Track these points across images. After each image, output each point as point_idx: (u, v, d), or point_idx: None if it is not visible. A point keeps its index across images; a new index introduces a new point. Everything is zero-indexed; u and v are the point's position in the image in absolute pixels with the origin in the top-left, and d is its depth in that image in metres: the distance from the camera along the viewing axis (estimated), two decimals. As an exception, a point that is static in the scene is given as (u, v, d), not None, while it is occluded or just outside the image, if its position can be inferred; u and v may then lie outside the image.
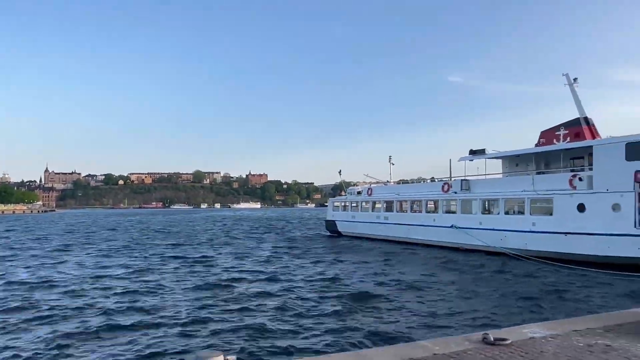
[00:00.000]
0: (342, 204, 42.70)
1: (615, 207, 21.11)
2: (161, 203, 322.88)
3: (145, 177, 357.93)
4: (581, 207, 22.43)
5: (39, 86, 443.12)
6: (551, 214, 23.95)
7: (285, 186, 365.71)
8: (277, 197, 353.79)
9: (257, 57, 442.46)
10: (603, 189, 21.70)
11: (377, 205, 38.01)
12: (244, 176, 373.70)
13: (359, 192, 41.26)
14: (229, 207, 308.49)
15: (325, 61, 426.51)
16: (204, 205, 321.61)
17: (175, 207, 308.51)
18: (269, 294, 14.99)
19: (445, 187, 30.97)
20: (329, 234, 44.29)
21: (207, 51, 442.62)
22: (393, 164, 41.83)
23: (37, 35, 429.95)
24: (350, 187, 43.60)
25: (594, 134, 25.33)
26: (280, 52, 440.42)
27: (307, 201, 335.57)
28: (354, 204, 40.81)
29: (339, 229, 42.28)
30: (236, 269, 21.46)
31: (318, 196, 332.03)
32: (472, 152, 30.05)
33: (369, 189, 39.77)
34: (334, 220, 43.20)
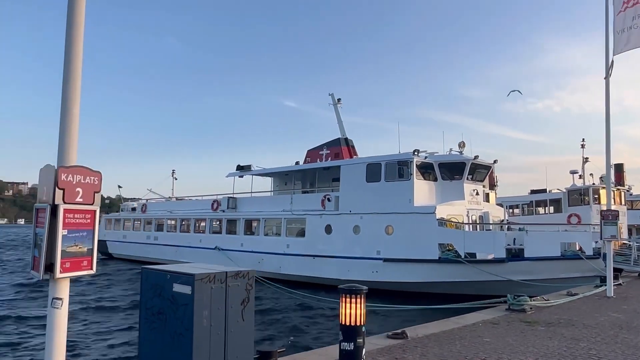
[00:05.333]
0: (115, 222, 37.45)
1: (356, 230, 20.51)
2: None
3: None
4: (328, 229, 21.52)
5: None
6: (304, 236, 22.75)
7: (107, 201, 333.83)
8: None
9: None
10: (347, 210, 21.03)
11: (148, 224, 33.78)
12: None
13: (133, 209, 36.53)
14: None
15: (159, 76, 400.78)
16: (2, 221, 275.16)
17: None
18: None
19: (215, 204, 28.28)
20: (101, 256, 38.47)
21: (19, 36, 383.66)
22: (176, 179, 38.30)
23: None
24: (124, 203, 38.51)
25: (351, 154, 25.08)
26: (111, 62, 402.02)
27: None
28: (127, 222, 35.97)
29: (110, 251, 36.84)
30: None
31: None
32: (240, 168, 28.00)
33: (143, 205, 35.35)
34: (105, 241, 37.54)
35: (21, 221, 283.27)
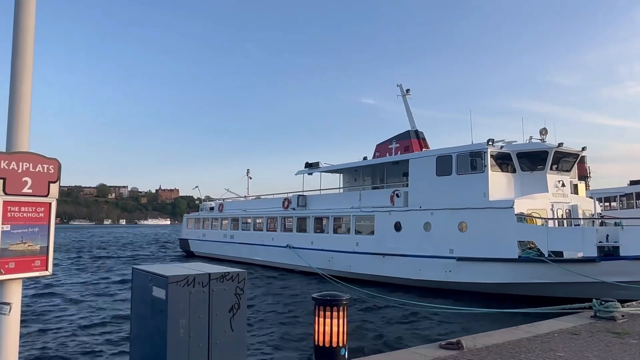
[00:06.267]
0: (195, 221, 38.93)
1: (426, 227, 19.33)
2: (59, 219, 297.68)
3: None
4: (397, 226, 20.53)
5: None
6: (373, 233, 21.92)
7: (197, 202, 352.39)
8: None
9: (168, 69, 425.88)
10: (416, 206, 19.91)
11: (225, 223, 34.68)
12: (154, 191, 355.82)
13: (211, 208, 37.70)
14: (136, 223, 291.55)
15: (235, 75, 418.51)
16: (107, 222, 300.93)
17: (74, 223, 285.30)
18: None
19: (286, 202, 28.26)
20: (184, 253, 40.24)
21: (114, 50, 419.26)
22: (251, 178, 39.01)
23: None
24: (203, 203, 39.90)
25: (422, 147, 23.81)
26: (194, 70, 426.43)
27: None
28: (206, 221, 37.21)
29: (192, 249, 38.35)
30: None
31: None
32: (308, 165, 27.70)
33: (220, 204, 36.35)
34: (187, 239, 39.22)
35: (122, 221, 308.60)
